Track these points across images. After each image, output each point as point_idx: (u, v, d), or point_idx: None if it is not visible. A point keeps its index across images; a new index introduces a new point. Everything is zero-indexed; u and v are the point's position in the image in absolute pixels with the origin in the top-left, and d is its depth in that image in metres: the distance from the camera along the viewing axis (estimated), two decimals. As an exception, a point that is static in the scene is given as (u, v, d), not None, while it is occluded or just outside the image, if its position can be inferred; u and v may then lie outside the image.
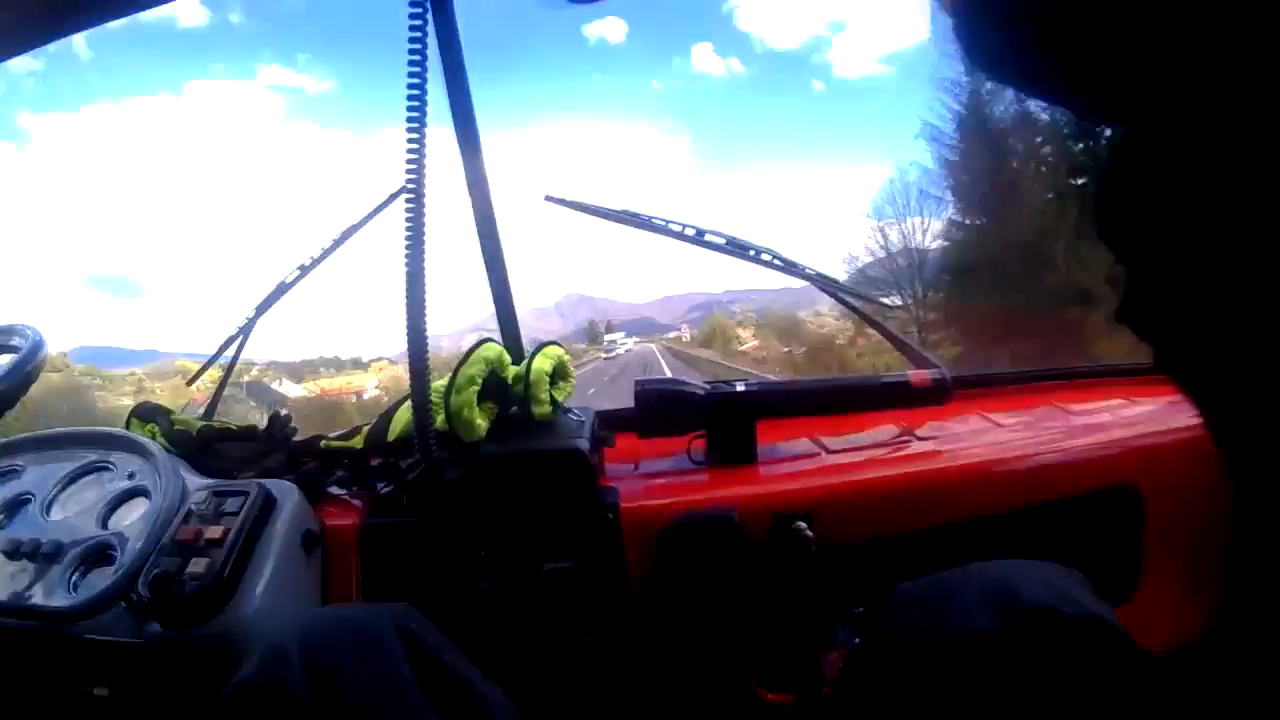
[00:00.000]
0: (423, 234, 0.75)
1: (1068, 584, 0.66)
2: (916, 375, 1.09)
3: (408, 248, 0.75)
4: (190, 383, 1.63)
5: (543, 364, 0.98)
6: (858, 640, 0.84)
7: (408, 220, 0.75)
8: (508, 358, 0.99)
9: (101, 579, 0.88)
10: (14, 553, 0.92)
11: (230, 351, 1.44)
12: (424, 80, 0.73)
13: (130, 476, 1.00)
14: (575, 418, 1.01)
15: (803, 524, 0.93)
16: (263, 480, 0.96)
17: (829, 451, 1.07)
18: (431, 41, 0.75)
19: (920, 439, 1.10)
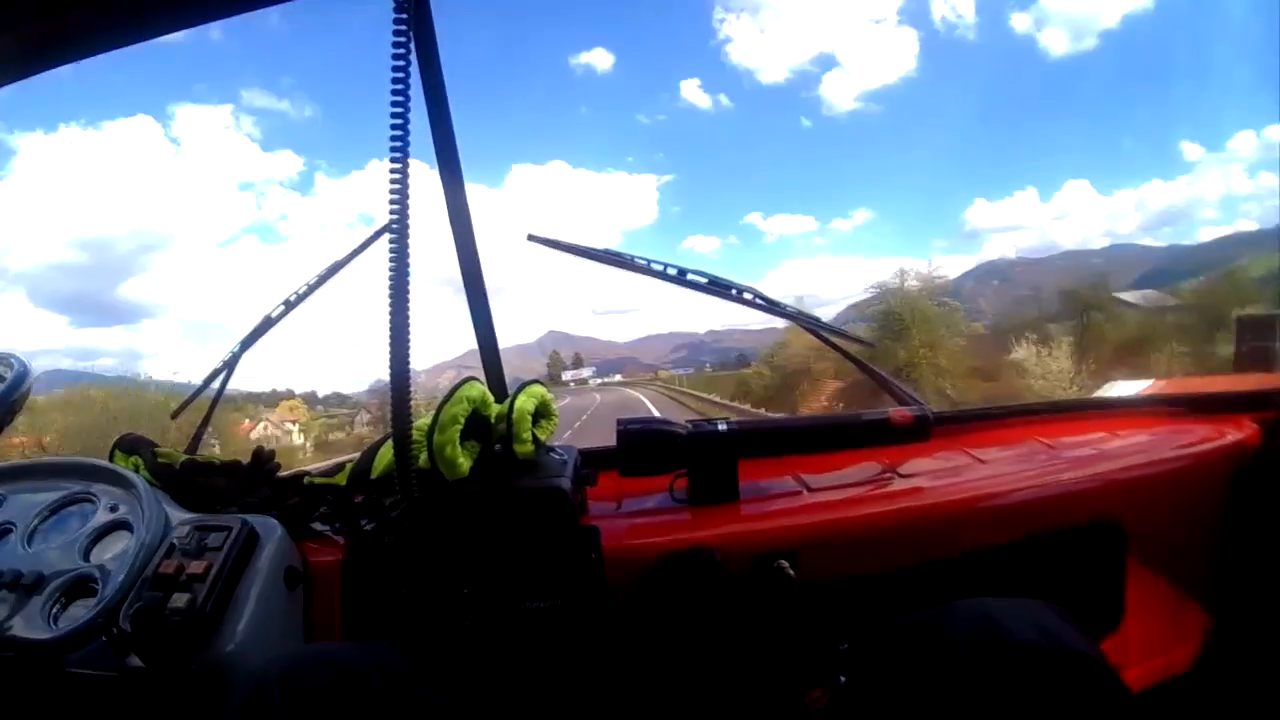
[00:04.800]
0: (407, 271, 0.75)
1: (1053, 620, 0.66)
2: (898, 412, 1.10)
3: (391, 285, 0.76)
4: (175, 415, 1.63)
5: (525, 403, 0.98)
6: (843, 679, 0.84)
7: (391, 257, 0.75)
8: (490, 397, 0.99)
9: (82, 612, 0.87)
10: None
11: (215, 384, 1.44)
12: (407, 115, 0.74)
13: (113, 509, 0.99)
14: (558, 456, 1.01)
15: (785, 563, 0.94)
16: (246, 516, 0.95)
17: (811, 490, 1.08)
18: (414, 74, 0.77)
19: (903, 476, 1.11)
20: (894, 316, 18.85)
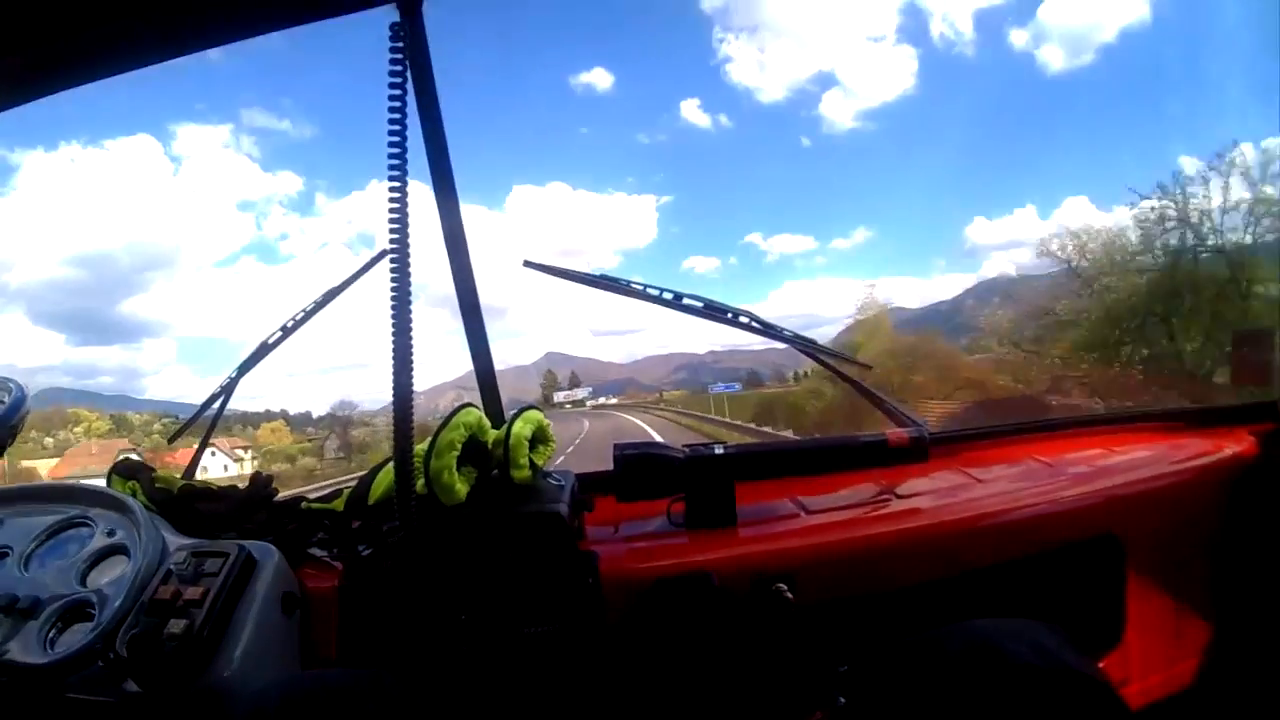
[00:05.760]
0: (408, 296, 0.76)
1: (1051, 641, 0.67)
2: (895, 434, 1.10)
3: (393, 310, 0.76)
4: (172, 440, 1.63)
5: (522, 428, 0.98)
6: (843, 700, 0.84)
7: (393, 283, 0.76)
8: (487, 422, 0.99)
9: (79, 636, 0.87)
10: None
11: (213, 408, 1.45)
12: (404, 144, 0.75)
13: (110, 534, 1.00)
14: (555, 482, 1.01)
15: (783, 585, 0.93)
16: (243, 541, 0.95)
17: (809, 512, 1.08)
18: (410, 100, 0.77)
19: (900, 497, 1.11)
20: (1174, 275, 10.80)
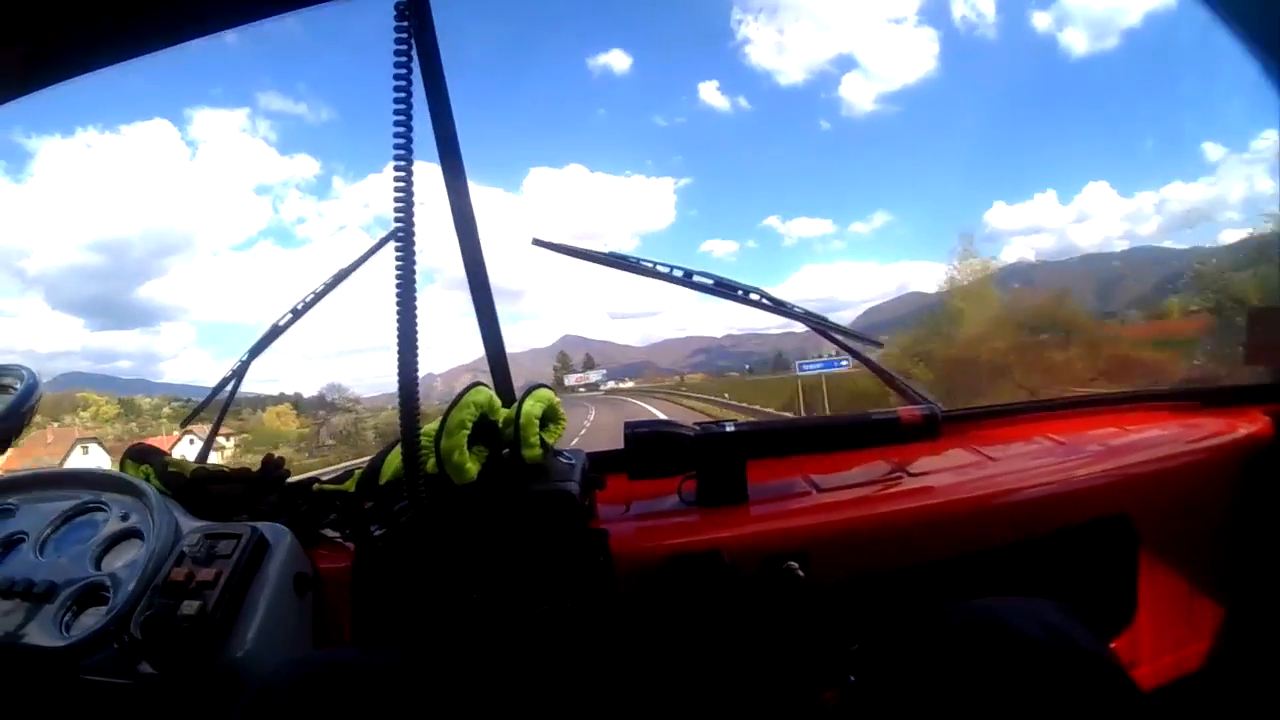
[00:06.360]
0: (413, 278, 0.76)
1: (1062, 619, 0.66)
2: (907, 411, 1.10)
3: (398, 292, 0.76)
4: (185, 424, 1.65)
5: (533, 407, 0.97)
6: (853, 678, 0.84)
7: (398, 265, 0.75)
8: (498, 401, 0.99)
9: (94, 619, 0.88)
10: (7, 592, 0.93)
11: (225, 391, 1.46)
12: (410, 125, 0.74)
13: (124, 518, 1.00)
14: (566, 460, 1.01)
15: (794, 564, 0.93)
16: (255, 523, 0.96)
17: (820, 490, 1.08)
18: (418, 79, 0.77)
19: (912, 475, 1.10)
20: None
